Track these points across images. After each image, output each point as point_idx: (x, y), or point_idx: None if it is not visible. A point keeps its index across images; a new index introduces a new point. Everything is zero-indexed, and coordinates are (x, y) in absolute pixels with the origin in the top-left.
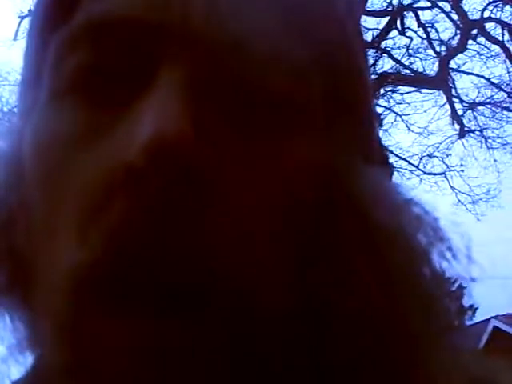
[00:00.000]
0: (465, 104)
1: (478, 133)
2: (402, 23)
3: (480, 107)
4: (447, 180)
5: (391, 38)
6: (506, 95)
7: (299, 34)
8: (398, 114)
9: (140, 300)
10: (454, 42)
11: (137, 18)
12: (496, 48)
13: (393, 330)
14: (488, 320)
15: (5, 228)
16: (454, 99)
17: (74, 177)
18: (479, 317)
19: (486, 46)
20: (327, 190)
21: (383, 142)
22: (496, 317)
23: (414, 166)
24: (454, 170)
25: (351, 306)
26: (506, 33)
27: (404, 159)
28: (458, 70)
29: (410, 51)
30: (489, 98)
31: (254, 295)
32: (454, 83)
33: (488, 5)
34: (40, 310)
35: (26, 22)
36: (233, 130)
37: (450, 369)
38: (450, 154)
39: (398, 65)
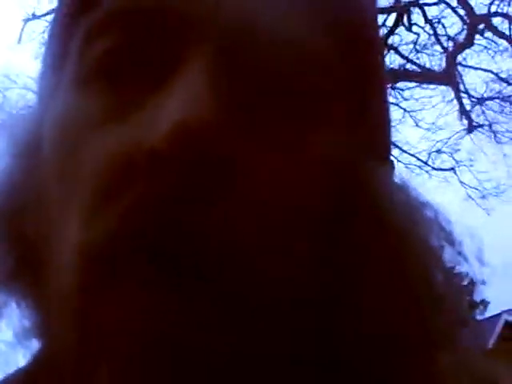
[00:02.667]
0: (473, 99)
1: (486, 127)
2: (409, 19)
3: (488, 102)
4: (456, 175)
5: (398, 35)
6: None
7: (325, 27)
8: (405, 110)
9: (153, 277)
10: (461, 37)
11: (166, 5)
12: (503, 42)
13: (404, 328)
14: (499, 314)
15: (16, 213)
16: (462, 94)
17: (93, 158)
18: (491, 311)
19: (493, 41)
20: (346, 188)
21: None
22: (507, 311)
23: (422, 161)
24: (464, 165)
25: (364, 303)
26: None
27: (412, 155)
28: (465, 65)
29: (418, 47)
30: (497, 92)
31: (265, 280)
32: (461, 78)
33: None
34: (50, 290)
35: (30, 26)
36: (257, 119)
37: (457, 369)
38: (459, 149)
39: (405, 61)
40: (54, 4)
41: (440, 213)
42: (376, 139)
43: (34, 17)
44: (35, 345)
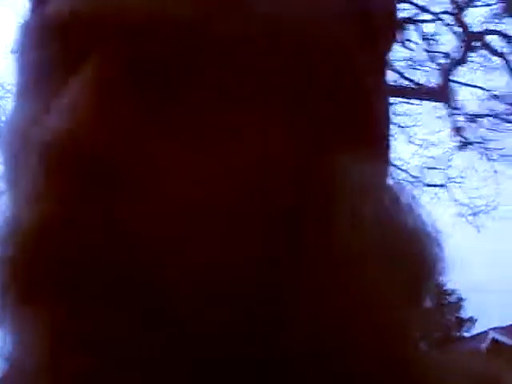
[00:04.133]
0: (466, 116)
1: (478, 144)
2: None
3: (481, 119)
4: (447, 192)
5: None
6: (506, 107)
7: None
8: (399, 126)
9: (56, 290)
10: (456, 54)
11: (76, 12)
12: (497, 60)
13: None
14: (486, 332)
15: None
16: (455, 111)
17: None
18: (478, 329)
19: (487, 58)
20: (287, 185)
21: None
22: (494, 328)
23: (414, 177)
24: (454, 181)
25: (301, 309)
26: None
27: (405, 171)
28: (459, 82)
29: (412, 63)
30: (490, 110)
31: (169, 283)
32: (455, 95)
33: (489, 18)
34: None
35: None
36: (169, 117)
37: (453, 370)
38: (451, 166)
39: (399, 76)
40: None
41: (415, 209)
42: (358, 137)
43: None
44: None
